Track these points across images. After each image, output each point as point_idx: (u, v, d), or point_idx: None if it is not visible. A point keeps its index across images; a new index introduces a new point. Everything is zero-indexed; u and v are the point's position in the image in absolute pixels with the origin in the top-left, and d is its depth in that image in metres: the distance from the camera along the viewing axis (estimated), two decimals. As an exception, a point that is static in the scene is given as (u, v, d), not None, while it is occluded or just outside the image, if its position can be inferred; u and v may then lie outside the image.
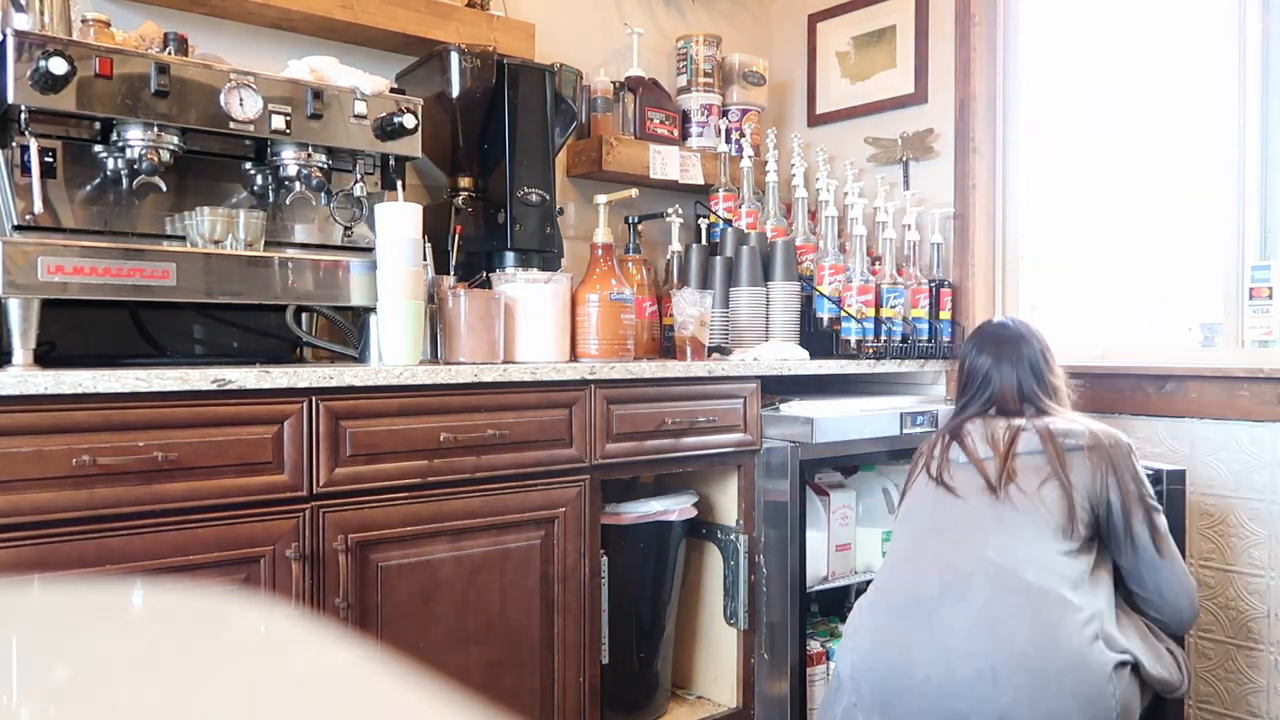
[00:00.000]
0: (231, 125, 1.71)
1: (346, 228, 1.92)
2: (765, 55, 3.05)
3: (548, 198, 2.23)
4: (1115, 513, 1.72)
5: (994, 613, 1.59)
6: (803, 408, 2.25)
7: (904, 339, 2.55)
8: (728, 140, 2.84)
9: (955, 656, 1.59)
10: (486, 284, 2.08)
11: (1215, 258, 2.34)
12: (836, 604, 2.53)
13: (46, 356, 1.68)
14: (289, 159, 1.82)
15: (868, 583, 1.87)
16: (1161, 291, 2.56)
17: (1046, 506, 1.68)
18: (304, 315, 2.02)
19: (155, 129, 1.67)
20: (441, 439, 1.77)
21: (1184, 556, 2.28)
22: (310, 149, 1.83)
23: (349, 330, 1.97)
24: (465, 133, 2.21)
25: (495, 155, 2.23)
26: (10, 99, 1.54)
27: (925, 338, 2.60)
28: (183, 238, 1.76)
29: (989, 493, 1.73)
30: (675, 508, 2.19)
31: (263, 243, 1.80)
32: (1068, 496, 1.69)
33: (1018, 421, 1.80)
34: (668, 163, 2.66)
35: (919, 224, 2.71)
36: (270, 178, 1.87)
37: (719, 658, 2.32)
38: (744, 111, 2.89)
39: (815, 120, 3.08)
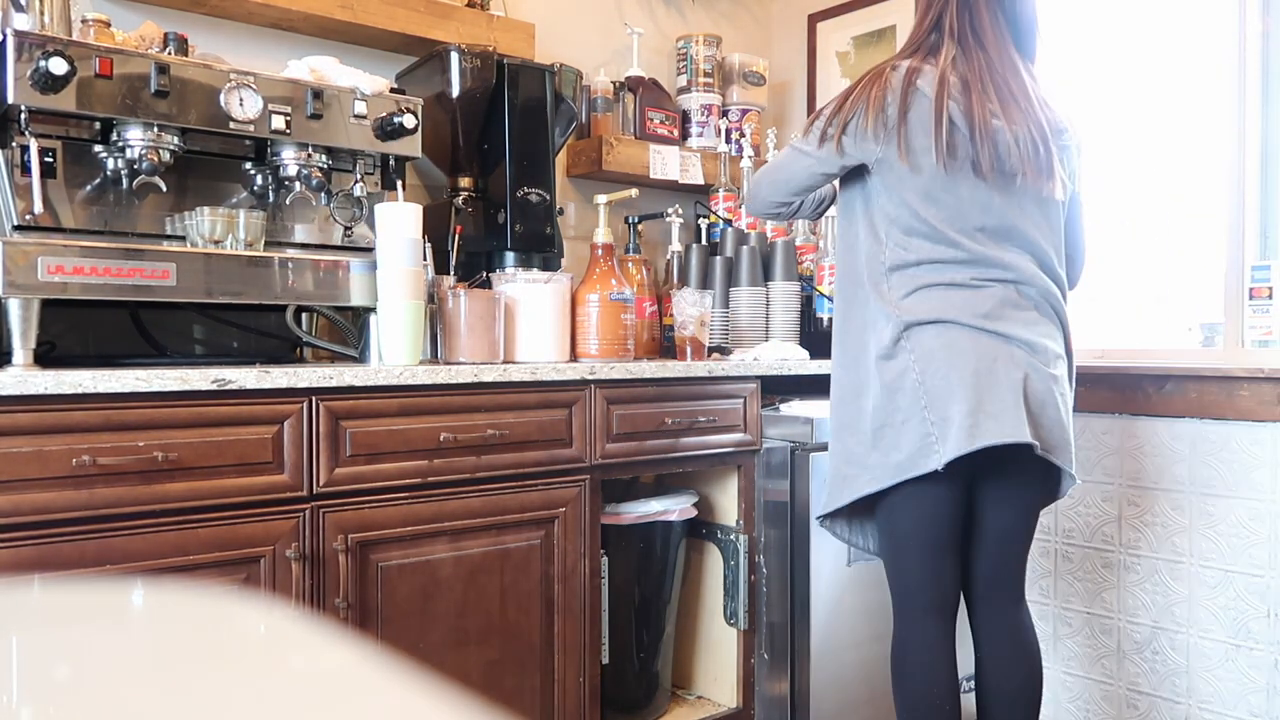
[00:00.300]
0: (231, 125, 1.71)
1: (346, 228, 1.92)
2: (765, 55, 3.05)
3: (548, 198, 2.23)
4: None
5: None
6: (803, 408, 2.25)
7: (904, 339, 2.55)
8: (728, 140, 2.84)
9: None
10: (486, 284, 2.08)
11: (1215, 258, 2.34)
12: (836, 604, 2.53)
13: (46, 356, 1.68)
14: (289, 159, 1.82)
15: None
16: (1161, 291, 2.56)
17: None
18: (304, 315, 2.02)
19: (155, 129, 1.67)
20: (441, 439, 1.77)
21: (1183, 556, 2.28)
22: (310, 149, 1.83)
23: (349, 330, 1.97)
24: (465, 133, 2.21)
25: (495, 155, 2.23)
26: (10, 99, 1.54)
27: (925, 338, 2.59)
28: (183, 238, 1.76)
29: None
30: (675, 508, 2.19)
31: (263, 243, 1.80)
32: None
33: None
34: (668, 163, 2.66)
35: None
36: (270, 178, 1.87)
37: (719, 658, 2.32)
38: (744, 111, 2.89)
39: (815, 120, 3.08)
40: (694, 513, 2.24)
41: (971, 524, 1.79)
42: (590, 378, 1.97)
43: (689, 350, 2.26)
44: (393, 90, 1.97)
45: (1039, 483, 1.77)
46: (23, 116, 1.57)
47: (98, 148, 1.70)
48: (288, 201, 1.88)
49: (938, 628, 1.75)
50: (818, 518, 1.88)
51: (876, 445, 1.70)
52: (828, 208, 1.98)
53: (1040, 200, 1.73)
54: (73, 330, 1.89)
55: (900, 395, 1.67)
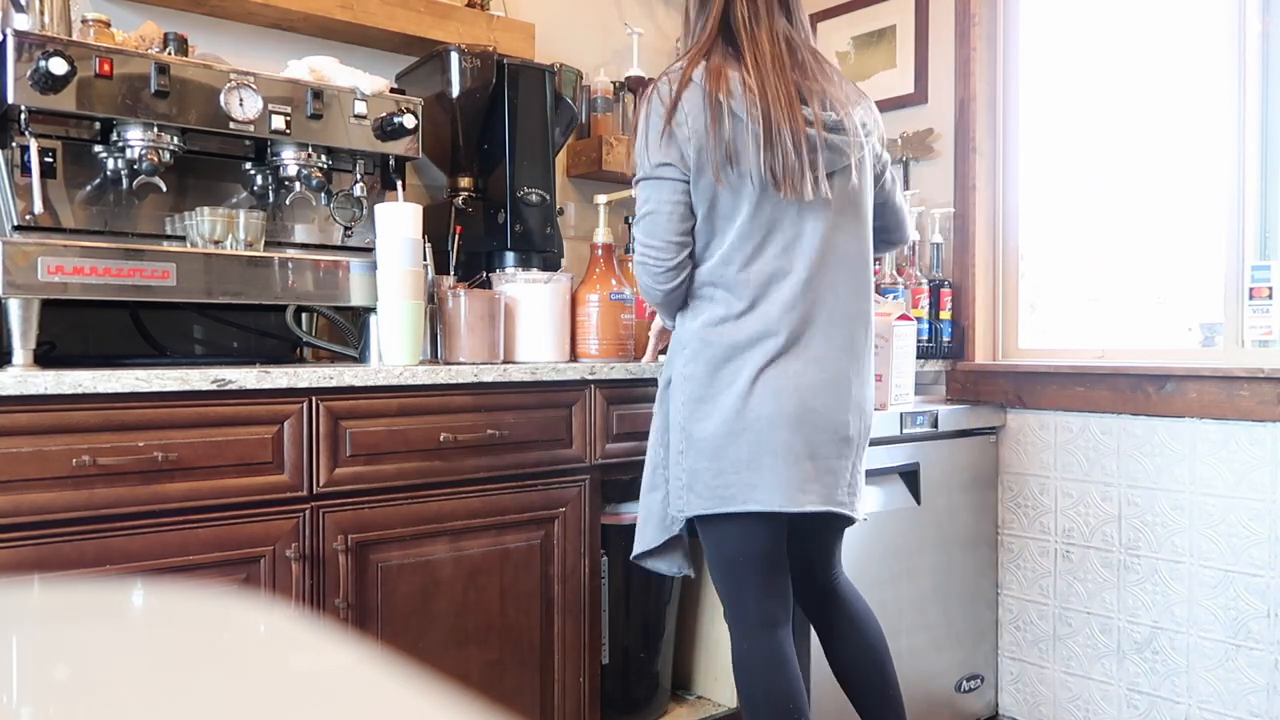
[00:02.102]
0: (231, 125, 1.71)
1: (346, 228, 1.92)
2: (765, 55, 3.05)
3: (548, 198, 2.23)
4: None
5: None
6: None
7: (904, 339, 2.55)
8: (728, 140, 2.84)
9: None
10: (486, 284, 2.08)
11: (1215, 258, 2.34)
12: (836, 604, 2.53)
13: (46, 356, 1.68)
14: (289, 159, 1.82)
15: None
16: (1161, 291, 2.56)
17: None
18: (304, 315, 2.02)
19: (155, 129, 1.67)
20: (441, 439, 1.77)
21: (1180, 556, 2.28)
22: (310, 149, 1.83)
23: (349, 330, 1.97)
24: (465, 133, 2.21)
25: (495, 155, 2.23)
26: (10, 99, 1.54)
27: (925, 338, 2.60)
28: (183, 238, 1.76)
29: None
30: (675, 508, 2.18)
31: (263, 243, 1.80)
32: None
33: None
34: (668, 163, 2.66)
35: (919, 224, 2.71)
36: (270, 178, 1.87)
37: (719, 658, 2.32)
38: (744, 111, 2.88)
39: (815, 120, 3.08)
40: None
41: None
42: (590, 378, 1.97)
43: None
44: (393, 90, 1.97)
45: None
46: (23, 116, 1.57)
47: (98, 148, 1.70)
48: (288, 201, 1.88)
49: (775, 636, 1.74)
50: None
51: None
52: None
53: None
54: (73, 330, 1.89)
55: None
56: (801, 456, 1.60)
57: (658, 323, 2.02)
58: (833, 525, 1.77)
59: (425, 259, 1.97)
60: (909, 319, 2.32)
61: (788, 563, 1.73)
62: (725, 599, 1.73)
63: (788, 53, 1.62)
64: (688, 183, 1.61)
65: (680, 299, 1.68)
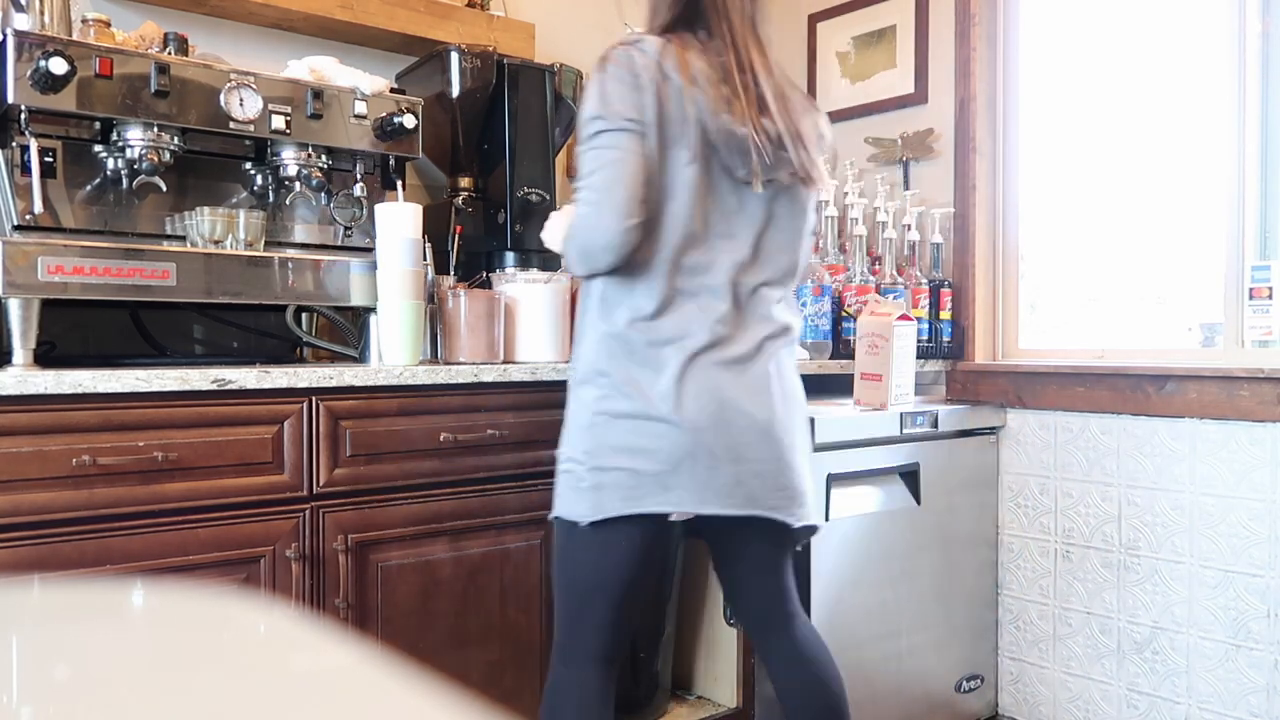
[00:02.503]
0: (231, 125, 1.71)
1: (346, 228, 1.92)
2: (765, 55, 3.05)
3: (548, 198, 2.23)
4: None
5: None
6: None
7: (904, 339, 2.55)
8: (728, 140, 2.84)
9: None
10: (486, 284, 2.08)
11: (1215, 258, 2.34)
12: (836, 604, 2.53)
13: (46, 356, 1.68)
14: (289, 159, 1.82)
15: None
16: (1161, 291, 2.56)
17: None
18: (304, 315, 2.02)
19: (155, 129, 1.67)
20: (441, 439, 1.77)
21: (1179, 556, 2.28)
22: (310, 149, 1.83)
23: (349, 330, 1.97)
24: (465, 133, 2.21)
25: (495, 155, 2.23)
26: (10, 99, 1.54)
27: (925, 338, 2.60)
28: (183, 238, 1.76)
29: None
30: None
31: (263, 243, 1.80)
32: None
33: None
34: (668, 163, 2.66)
35: (919, 224, 2.71)
36: (270, 178, 1.87)
37: (719, 658, 2.32)
38: (744, 111, 2.88)
39: (815, 120, 3.08)
40: (694, 513, 2.23)
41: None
42: (590, 378, 1.97)
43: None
44: (393, 90, 1.97)
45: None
46: (23, 116, 1.57)
47: (98, 148, 1.70)
48: (288, 201, 1.88)
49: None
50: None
51: None
52: None
53: None
54: (73, 330, 1.89)
55: None
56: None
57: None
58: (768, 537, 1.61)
59: (425, 259, 1.97)
60: (909, 319, 2.32)
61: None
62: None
63: (756, 45, 1.51)
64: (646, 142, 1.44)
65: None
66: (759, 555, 1.65)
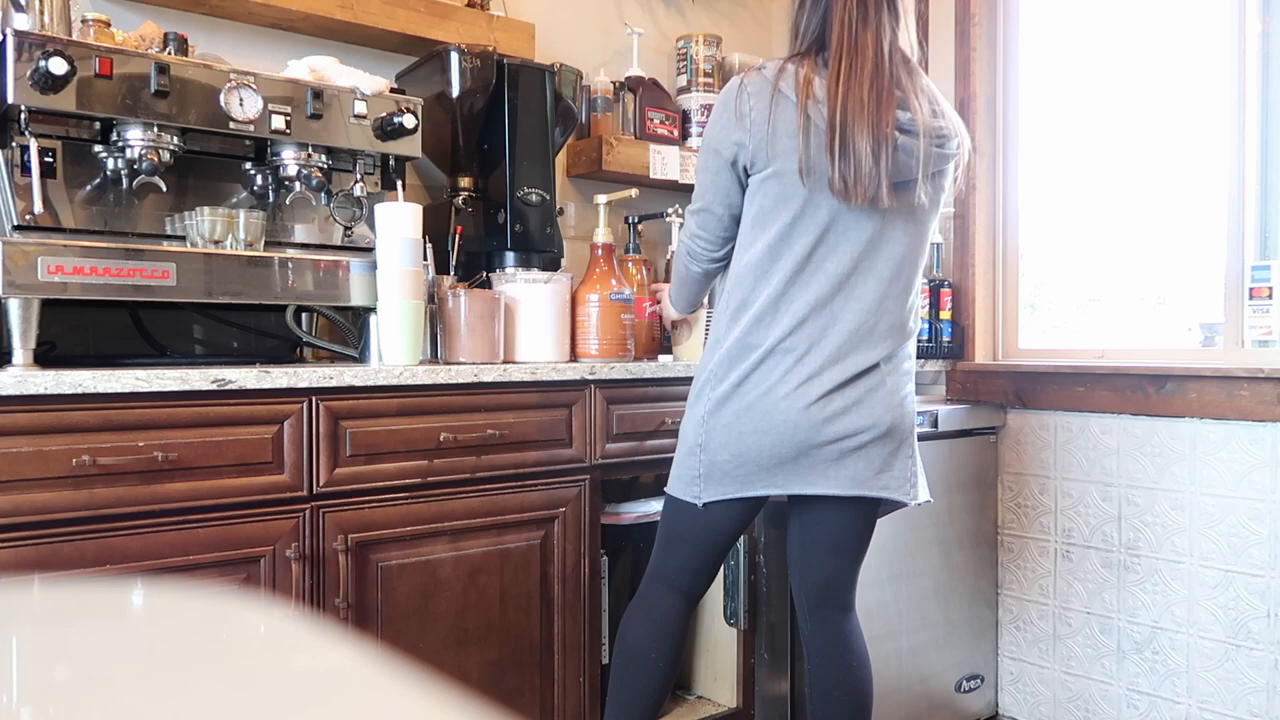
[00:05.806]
0: (231, 125, 1.71)
1: (346, 228, 1.92)
2: (765, 55, 3.05)
3: (548, 198, 2.23)
4: None
5: None
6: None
7: (904, 339, 2.55)
8: (728, 140, 2.84)
9: None
10: (486, 284, 2.08)
11: (1215, 258, 2.34)
12: (836, 604, 2.52)
13: (46, 356, 1.68)
14: (289, 159, 1.82)
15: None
16: (1161, 291, 2.56)
17: None
18: (304, 315, 2.02)
19: (155, 129, 1.67)
20: (441, 439, 1.77)
21: (1179, 556, 2.28)
22: (310, 149, 1.83)
23: (349, 330, 1.97)
24: (465, 133, 2.21)
25: (495, 155, 2.23)
26: (10, 99, 1.54)
27: (926, 338, 2.60)
28: (183, 238, 1.76)
29: None
30: (675, 508, 2.18)
31: (263, 243, 1.80)
32: None
33: None
34: (668, 163, 2.66)
35: (919, 224, 2.70)
36: (270, 178, 1.87)
37: (719, 658, 2.32)
38: (744, 111, 2.88)
39: (815, 120, 3.08)
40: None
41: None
42: (590, 378, 1.97)
43: (689, 350, 2.26)
44: (393, 90, 1.97)
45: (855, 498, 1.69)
46: (23, 116, 1.57)
47: (98, 148, 1.70)
48: (288, 201, 1.88)
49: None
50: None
51: None
52: None
53: None
54: (73, 330, 1.89)
55: None
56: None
57: (671, 310, 2.04)
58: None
59: (425, 259, 1.97)
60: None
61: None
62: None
63: (887, 60, 1.57)
64: (743, 175, 1.64)
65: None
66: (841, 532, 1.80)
